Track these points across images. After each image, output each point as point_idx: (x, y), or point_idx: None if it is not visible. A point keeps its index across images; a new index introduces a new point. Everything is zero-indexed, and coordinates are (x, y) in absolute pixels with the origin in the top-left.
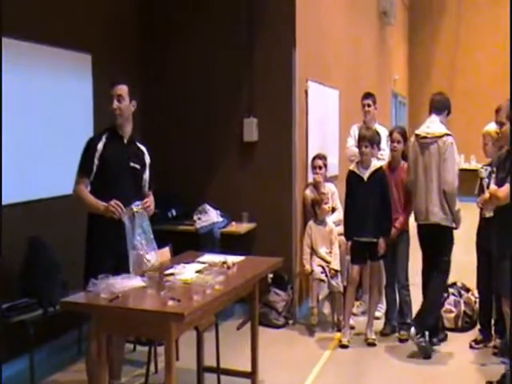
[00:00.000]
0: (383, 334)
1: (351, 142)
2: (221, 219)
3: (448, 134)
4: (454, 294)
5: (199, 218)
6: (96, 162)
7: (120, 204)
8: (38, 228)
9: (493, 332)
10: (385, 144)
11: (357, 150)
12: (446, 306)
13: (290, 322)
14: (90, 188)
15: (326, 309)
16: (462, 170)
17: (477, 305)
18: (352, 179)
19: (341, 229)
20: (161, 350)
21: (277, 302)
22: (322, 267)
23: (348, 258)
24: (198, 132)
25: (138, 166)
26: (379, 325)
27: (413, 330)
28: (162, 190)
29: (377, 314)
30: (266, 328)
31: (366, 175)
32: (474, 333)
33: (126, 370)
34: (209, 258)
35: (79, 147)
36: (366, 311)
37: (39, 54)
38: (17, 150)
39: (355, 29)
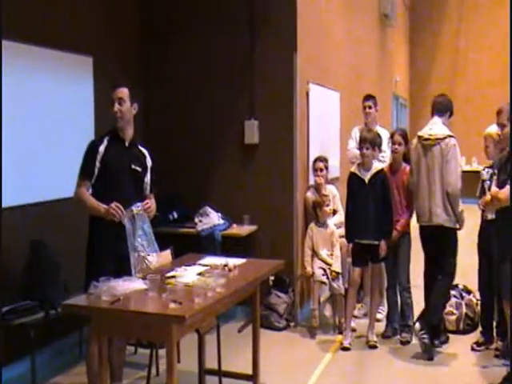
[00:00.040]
0: (385, 336)
1: (352, 144)
2: (222, 221)
3: (451, 136)
4: (455, 296)
5: (200, 221)
6: (97, 164)
7: (120, 206)
8: (39, 231)
9: (494, 334)
10: (386, 146)
11: (358, 152)
12: (448, 308)
13: (292, 324)
14: (91, 191)
15: (328, 311)
16: (463, 172)
17: (478, 307)
18: (353, 181)
19: (342, 231)
20: (162, 352)
21: (278, 304)
22: (324, 269)
23: (349, 260)
24: (199, 134)
25: (139, 169)
26: (381, 327)
27: (417, 325)
28: (163, 192)
29: (378, 316)
30: (268, 330)
31: (367, 177)
32: (476, 335)
33: (127, 372)
34: (210, 260)
35: (80, 150)
36: (368, 313)
37: (40, 56)
38: (18, 153)
39: (356, 31)
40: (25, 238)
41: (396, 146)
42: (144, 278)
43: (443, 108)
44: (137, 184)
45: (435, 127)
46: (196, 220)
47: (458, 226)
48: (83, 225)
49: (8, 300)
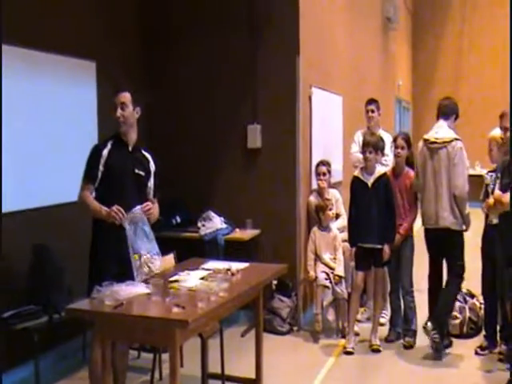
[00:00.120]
0: (388, 340)
1: (355, 148)
2: (225, 226)
3: (457, 139)
4: (459, 300)
5: (203, 225)
6: (101, 168)
7: (121, 209)
8: (42, 235)
9: (498, 338)
10: (389, 150)
11: (361, 155)
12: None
13: (295, 328)
14: (94, 194)
15: (331, 315)
16: (468, 176)
17: (482, 311)
18: (356, 185)
19: (345, 235)
20: (165, 356)
21: (281, 308)
22: (326, 273)
23: (352, 264)
24: (202, 138)
25: (142, 173)
26: (384, 331)
27: (429, 324)
28: (166, 196)
29: (381, 320)
30: (271, 335)
31: (370, 181)
32: (480, 339)
33: (130, 376)
34: (213, 264)
35: (84, 154)
36: (371, 317)
37: (44, 61)
38: (21, 158)
39: (359, 34)
40: (28, 243)
41: (399, 150)
42: (147, 283)
43: (449, 111)
44: (140, 188)
45: (441, 130)
46: (199, 224)
47: (464, 228)
48: (87, 229)
49: (12, 304)
